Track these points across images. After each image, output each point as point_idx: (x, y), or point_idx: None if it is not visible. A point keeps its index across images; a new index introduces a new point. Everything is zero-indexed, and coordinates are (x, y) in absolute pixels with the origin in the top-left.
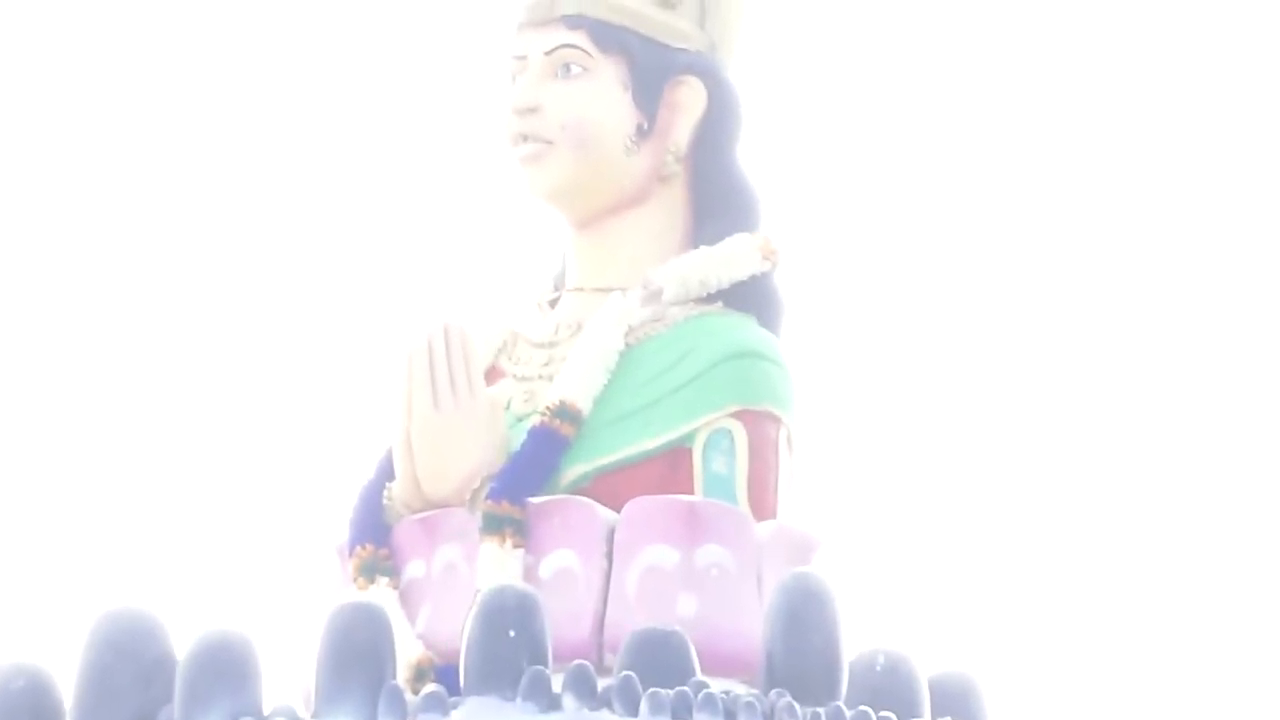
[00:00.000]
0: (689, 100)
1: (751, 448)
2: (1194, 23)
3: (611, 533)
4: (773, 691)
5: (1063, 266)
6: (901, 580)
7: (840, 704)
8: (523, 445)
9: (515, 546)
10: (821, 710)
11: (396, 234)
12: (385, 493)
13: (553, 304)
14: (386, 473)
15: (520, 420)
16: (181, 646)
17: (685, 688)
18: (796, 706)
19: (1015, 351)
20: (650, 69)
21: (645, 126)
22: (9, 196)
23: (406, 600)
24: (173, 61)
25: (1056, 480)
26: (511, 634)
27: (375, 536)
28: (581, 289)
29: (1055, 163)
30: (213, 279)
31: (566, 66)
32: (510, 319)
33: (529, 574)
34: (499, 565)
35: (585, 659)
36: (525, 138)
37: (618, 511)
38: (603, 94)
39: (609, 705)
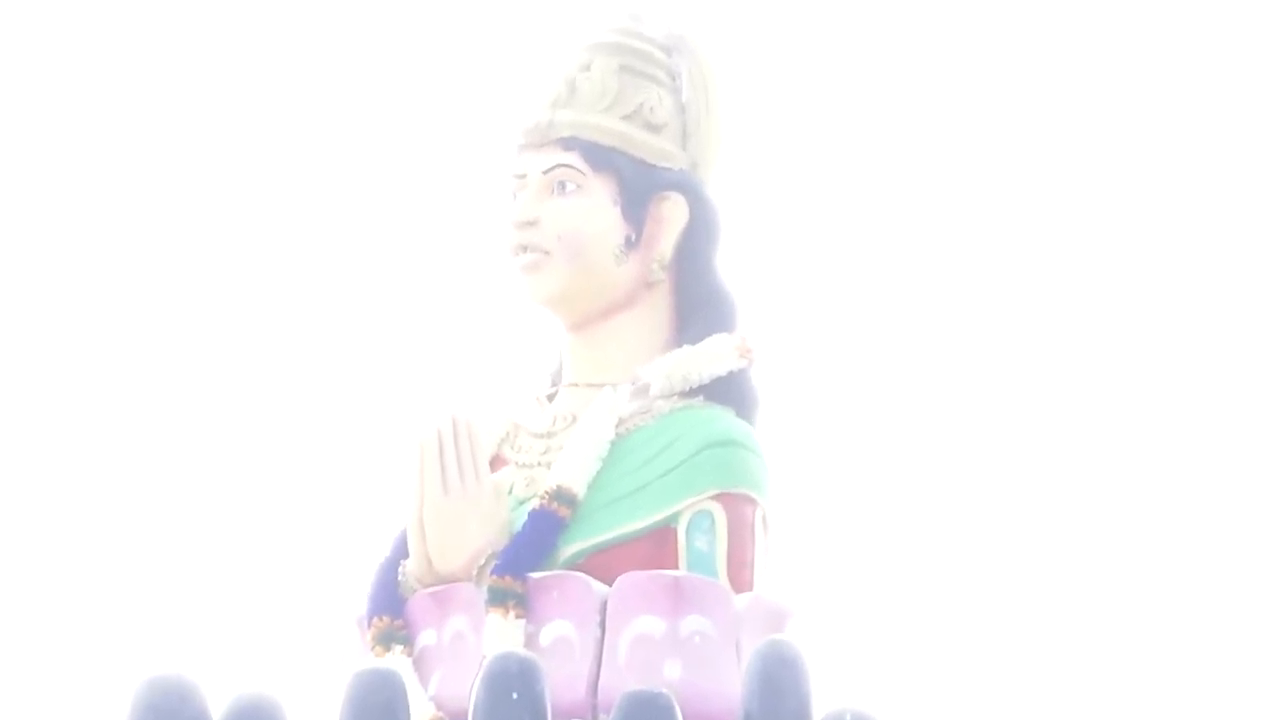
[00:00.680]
0: (672, 214)
1: (730, 528)
2: (1190, 22)
3: (604, 604)
4: None
5: (1046, 285)
6: (868, 646)
7: None
8: (524, 526)
9: (518, 617)
10: None
11: (413, 335)
12: (400, 569)
13: (550, 398)
14: (401, 551)
15: (522, 503)
16: (216, 709)
17: None
18: None
19: (989, 404)
20: (638, 186)
21: (633, 238)
22: (16, 198)
23: (419, 666)
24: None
25: (1026, 536)
26: (515, 696)
27: (391, 609)
28: (576, 384)
29: (1039, 183)
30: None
31: (562, 184)
32: (512, 411)
33: (530, 642)
34: (503, 634)
35: (581, 719)
36: (525, 248)
37: (610, 585)
38: (595, 209)
39: None
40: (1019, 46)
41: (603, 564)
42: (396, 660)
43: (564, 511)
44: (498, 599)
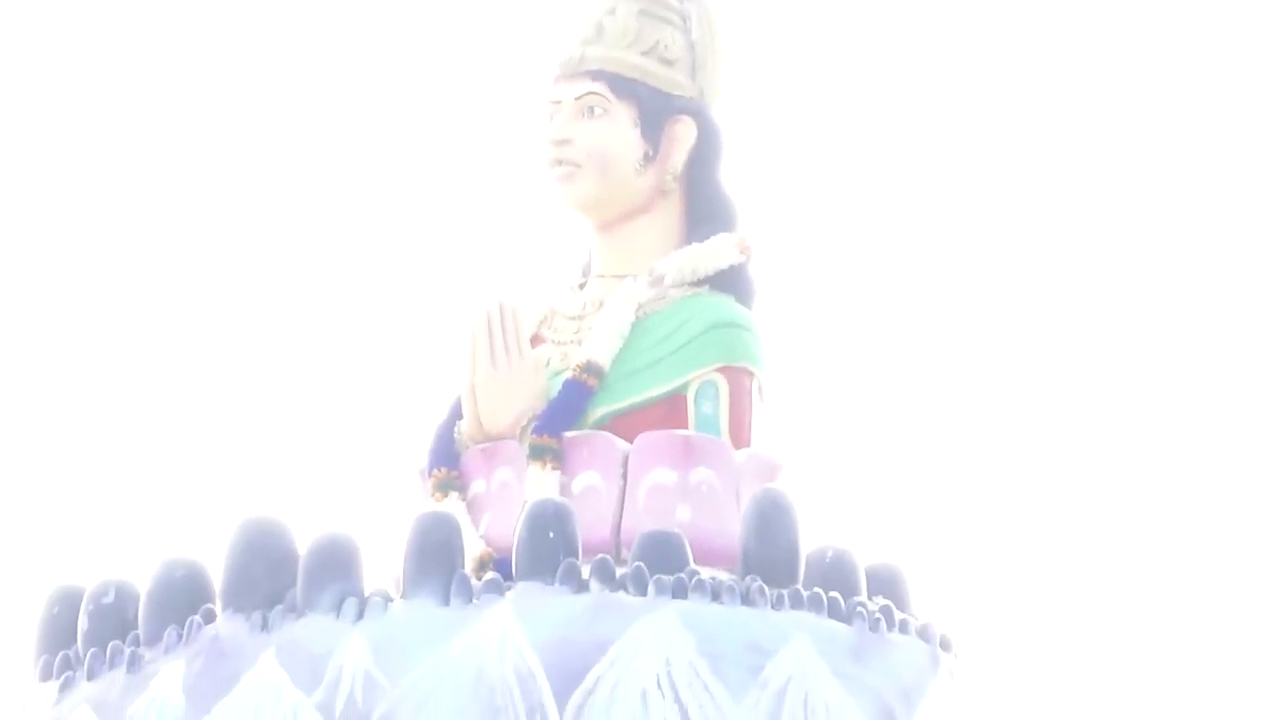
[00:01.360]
0: (683, 134)
1: (731, 395)
2: (1191, 22)
3: (626, 459)
4: (748, 577)
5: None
6: (848, 495)
7: (799, 587)
8: (559, 393)
9: (553, 469)
10: (784, 591)
11: (469, 234)
12: (455, 429)
13: (581, 287)
14: (456, 414)
15: (557, 374)
16: (302, 545)
17: (682, 575)
18: (765, 588)
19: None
20: (654, 111)
21: (650, 154)
22: (27, 194)
23: (472, 510)
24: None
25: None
26: (551, 535)
27: (448, 462)
28: (603, 275)
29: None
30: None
31: (591, 109)
32: (549, 298)
33: (564, 490)
34: (541, 483)
35: (606, 554)
36: (560, 162)
37: (630, 442)
38: (618, 130)
39: (625, 588)
40: None
41: (625, 425)
42: (453, 505)
43: (592, 381)
44: (537, 454)
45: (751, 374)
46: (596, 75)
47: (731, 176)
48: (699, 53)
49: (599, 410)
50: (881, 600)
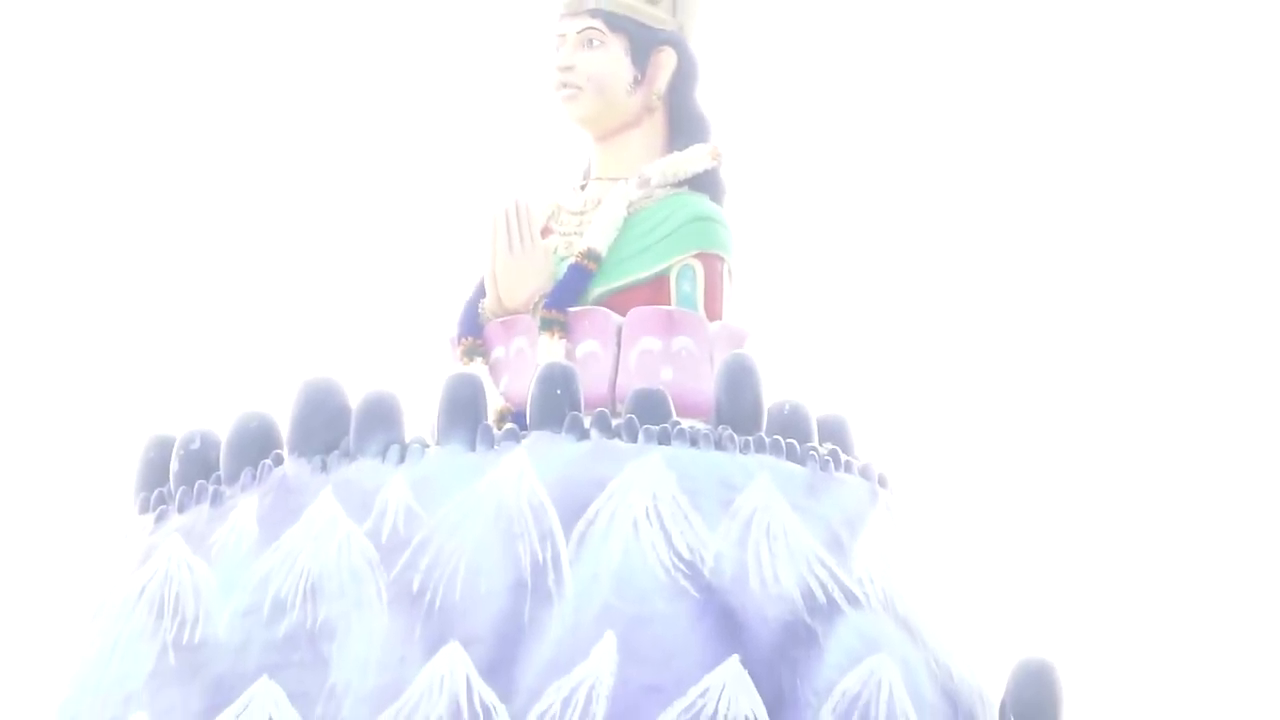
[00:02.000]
0: (666, 62)
1: (706, 277)
2: (1191, 22)
3: (619, 329)
4: (720, 426)
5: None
6: (805, 355)
7: (762, 434)
8: (564, 275)
9: (560, 338)
10: (750, 438)
11: (489, 142)
12: (480, 305)
13: (582, 188)
14: (480, 293)
15: (563, 260)
16: (354, 401)
17: (666, 425)
18: (735, 435)
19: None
20: (642, 42)
21: (639, 78)
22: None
23: (493, 372)
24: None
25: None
26: (559, 392)
27: (474, 332)
28: (600, 179)
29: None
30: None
31: (590, 41)
32: (556, 197)
33: (569, 355)
34: (550, 350)
35: (604, 408)
36: (565, 85)
37: (623, 316)
38: (612, 58)
39: (619, 436)
40: None
41: (618, 302)
42: (477, 368)
43: (592, 266)
44: (546, 326)
45: (723, 259)
46: (594, 13)
47: (705, 96)
48: None
49: (597, 289)
50: (830, 445)
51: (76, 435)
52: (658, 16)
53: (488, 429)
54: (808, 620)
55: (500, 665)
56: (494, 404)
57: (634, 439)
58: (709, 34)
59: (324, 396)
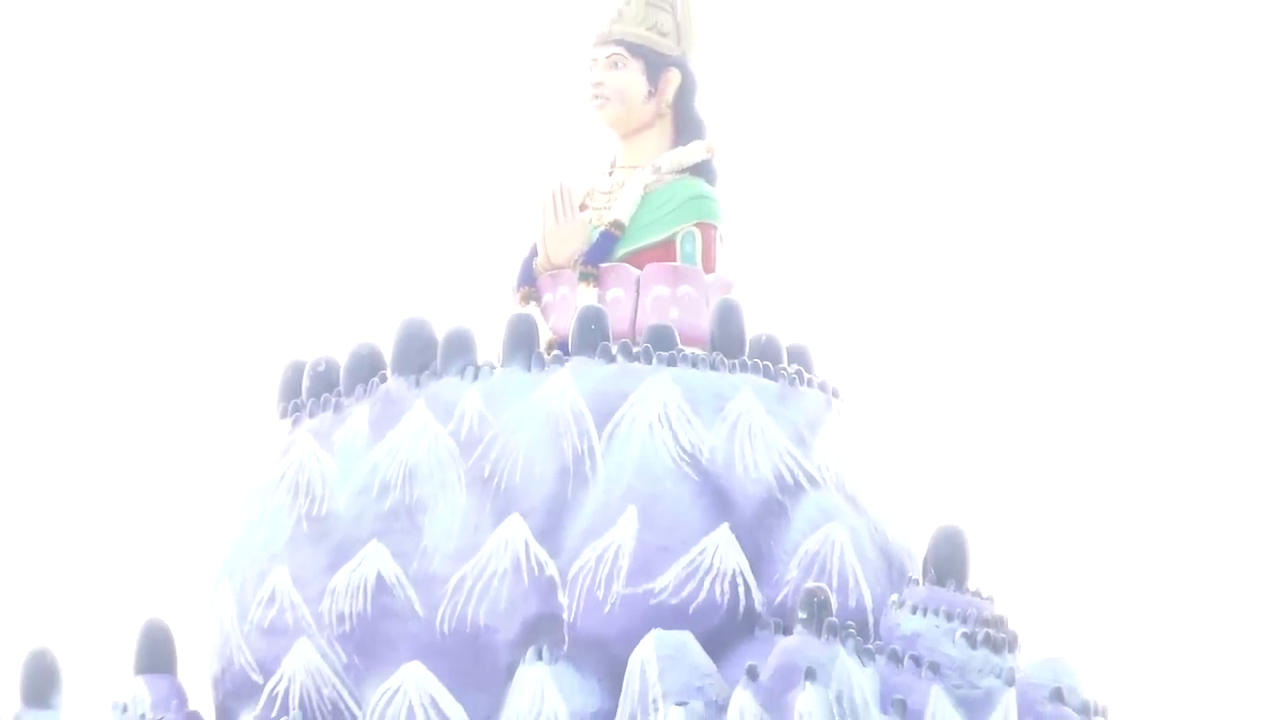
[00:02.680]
0: (672, 79)
1: (703, 241)
2: (1192, 21)
3: (638, 280)
4: (713, 353)
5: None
6: (778, 300)
7: (745, 358)
8: (597, 240)
9: (593, 287)
10: (736, 361)
11: (545, 141)
12: (533, 262)
13: (610, 174)
14: (534, 252)
15: (596, 228)
16: (440, 333)
17: (673, 352)
18: (724, 359)
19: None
20: (654, 64)
21: (652, 91)
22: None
23: (545, 313)
24: None
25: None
26: (593, 328)
27: (529, 282)
28: (623, 167)
29: None
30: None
31: (615, 63)
32: (591, 180)
33: (600, 300)
34: (586, 296)
35: (627, 339)
36: (596, 96)
37: (640, 270)
38: (632, 77)
39: (638, 360)
40: None
41: (637, 259)
42: (532, 310)
43: (617, 232)
44: (583, 277)
45: (715, 227)
46: (619, 43)
47: (702, 104)
48: (682, 28)
49: (621, 251)
50: (796, 366)
51: (234, 361)
52: (667, 44)
53: (540, 355)
54: (779, 497)
55: (549, 531)
56: (544, 337)
57: (649, 362)
58: (704, 59)
59: (417, 330)
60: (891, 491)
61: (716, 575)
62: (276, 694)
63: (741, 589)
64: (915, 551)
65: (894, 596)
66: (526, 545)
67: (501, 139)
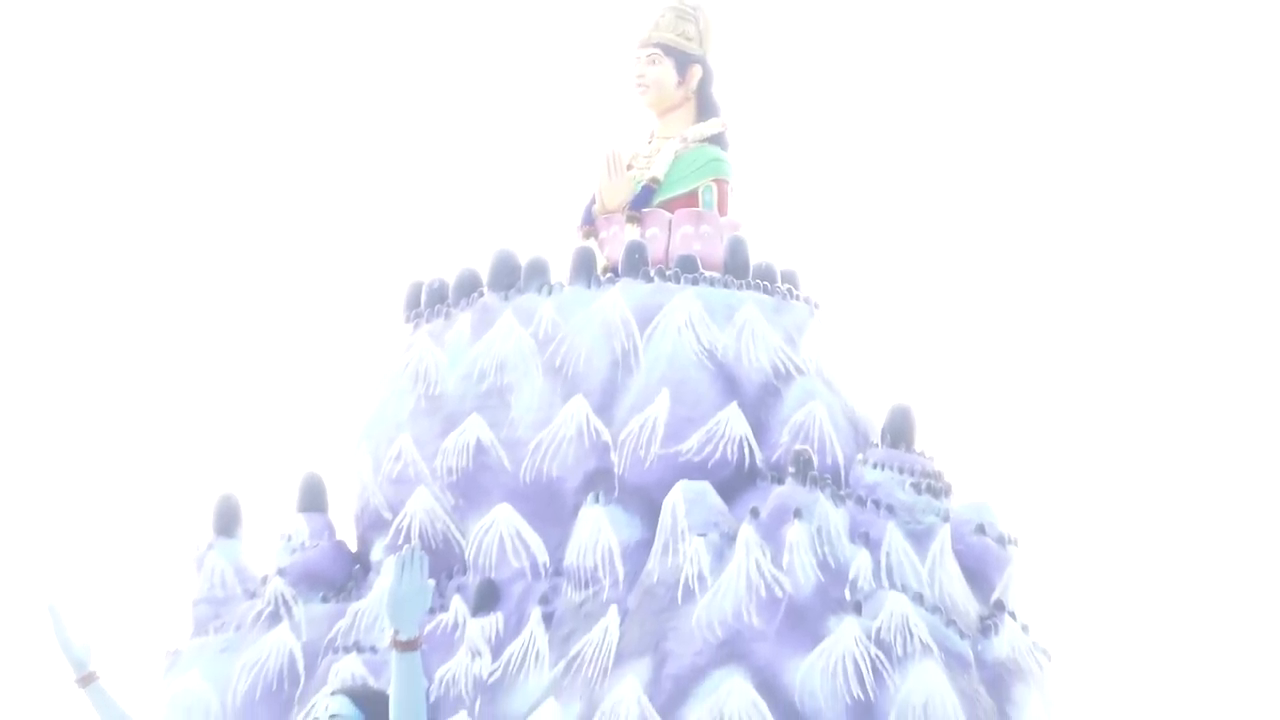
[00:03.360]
0: (696, 73)
1: (719, 192)
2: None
3: (669, 221)
4: (725, 275)
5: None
6: (776, 235)
7: (749, 280)
8: (639, 192)
9: (637, 225)
10: (742, 282)
11: (600, 117)
12: (594, 207)
13: (649, 142)
14: (592, 203)
15: (639, 182)
16: (523, 261)
17: (696, 275)
18: (734, 279)
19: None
20: (683, 61)
21: (680, 81)
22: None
23: (602, 246)
24: None
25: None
26: (636, 257)
27: (590, 222)
28: (660, 137)
29: None
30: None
31: (653, 60)
32: (636, 146)
33: (642, 236)
34: (631, 233)
35: (661, 265)
36: (639, 84)
37: (672, 214)
38: (665, 70)
39: (671, 280)
40: None
41: (670, 205)
42: (590, 243)
43: (655, 186)
44: (630, 219)
45: (728, 182)
46: (656, 45)
47: (718, 92)
48: (703, 34)
49: (658, 199)
50: (788, 285)
51: (374, 282)
52: (692, 46)
53: (597, 277)
54: (774, 382)
55: (604, 408)
56: (601, 264)
57: (678, 282)
58: (719, 57)
59: (506, 258)
60: (857, 378)
61: (728, 440)
62: (401, 528)
63: (746, 450)
64: (875, 422)
65: (860, 456)
66: (587, 418)
67: (572, 119)
